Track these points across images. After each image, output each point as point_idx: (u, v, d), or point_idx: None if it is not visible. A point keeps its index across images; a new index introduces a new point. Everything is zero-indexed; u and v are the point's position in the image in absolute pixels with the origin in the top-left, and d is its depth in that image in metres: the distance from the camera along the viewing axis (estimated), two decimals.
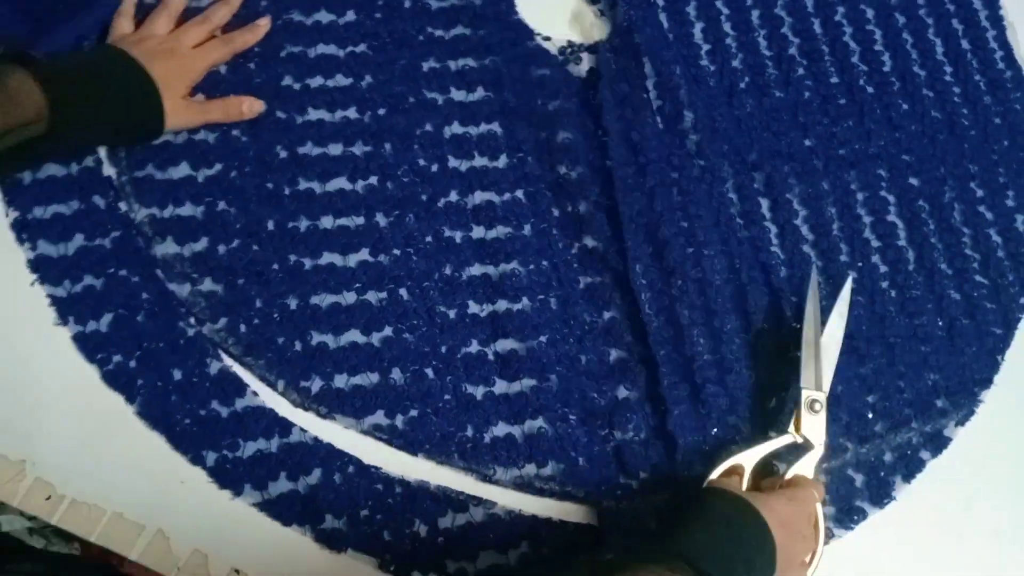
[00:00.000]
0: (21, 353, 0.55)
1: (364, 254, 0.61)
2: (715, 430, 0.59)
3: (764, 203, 0.68)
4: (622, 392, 0.60)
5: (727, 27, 0.74)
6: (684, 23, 0.73)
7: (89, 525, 0.52)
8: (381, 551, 0.54)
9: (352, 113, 0.64)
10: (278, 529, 0.54)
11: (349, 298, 0.59)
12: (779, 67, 0.73)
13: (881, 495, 0.61)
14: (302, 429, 0.56)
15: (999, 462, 0.64)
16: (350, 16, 0.67)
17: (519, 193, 0.64)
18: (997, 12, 0.79)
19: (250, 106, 0.62)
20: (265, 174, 0.61)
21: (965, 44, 0.77)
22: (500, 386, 0.58)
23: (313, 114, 0.64)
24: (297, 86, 0.64)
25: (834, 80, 0.73)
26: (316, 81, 0.65)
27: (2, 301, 0.56)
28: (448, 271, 0.61)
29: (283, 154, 0.62)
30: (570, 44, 0.70)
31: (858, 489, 0.61)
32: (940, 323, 0.66)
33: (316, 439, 0.56)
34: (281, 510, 0.54)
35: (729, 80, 0.71)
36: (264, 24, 0.65)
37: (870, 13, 0.77)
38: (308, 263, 0.60)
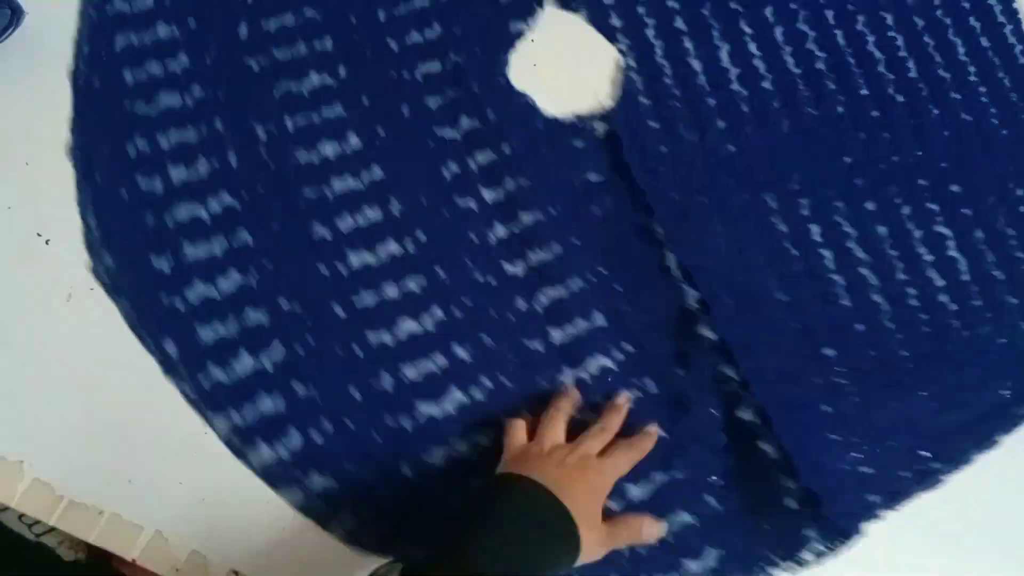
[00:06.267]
0: (20, 354, 0.55)
1: None
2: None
3: (815, 229, 0.66)
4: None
5: (753, 47, 0.71)
6: (710, 48, 0.69)
7: (88, 526, 0.52)
8: None
9: (393, 247, 0.61)
10: (277, 530, 0.54)
11: None
12: (808, 84, 0.71)
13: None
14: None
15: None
16: (355, 142, 0.63)
17: (577, 280, 0.62)
18: (1011, 5, 0.76)
19: (649, 528, 0.55)
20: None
21: (984, 42, 0.75)
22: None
23: (355, 259, 0.60)
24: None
25: (864, 92, 0.71)
26: (347, 223, 0.61)
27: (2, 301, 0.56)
28: None
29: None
30: (578, 117, 0.66)
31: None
32: (1001, 330, 0.65)
33: None
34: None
35: (761, 102, 0.69)
36: (654, 431, 0.58)
37: (890, 19, 0.74)
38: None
